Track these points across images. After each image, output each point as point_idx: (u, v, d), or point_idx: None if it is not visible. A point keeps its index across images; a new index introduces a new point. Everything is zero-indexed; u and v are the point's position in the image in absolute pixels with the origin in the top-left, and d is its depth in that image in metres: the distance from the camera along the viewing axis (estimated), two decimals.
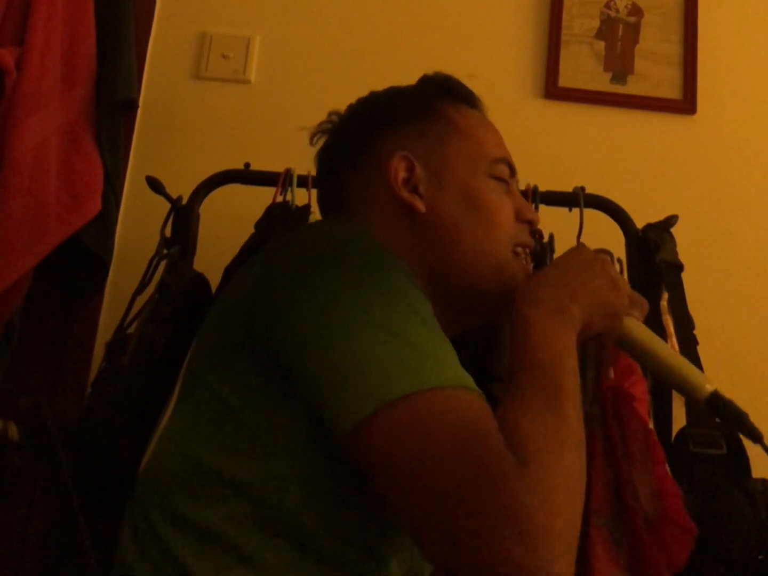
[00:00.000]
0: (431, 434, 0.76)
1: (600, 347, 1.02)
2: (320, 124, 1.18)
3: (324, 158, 1.17)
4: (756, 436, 0.97)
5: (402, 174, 1.05)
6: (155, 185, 1.51)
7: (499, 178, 1.08)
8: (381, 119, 1.11)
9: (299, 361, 0.83)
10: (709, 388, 0.95)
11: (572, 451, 0.80)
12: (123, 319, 1.43)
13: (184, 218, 1.48)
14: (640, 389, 1.26)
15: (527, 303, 0.91)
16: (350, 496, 0.86)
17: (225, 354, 0.90)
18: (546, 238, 1.44)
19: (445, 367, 0.81)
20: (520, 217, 1.08)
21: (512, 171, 1.11)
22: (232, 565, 0.83)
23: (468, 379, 0.82)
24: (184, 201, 1.51)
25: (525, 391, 0.83)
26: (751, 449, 1.30)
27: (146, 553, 0.86)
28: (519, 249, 1.06)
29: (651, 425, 1.29)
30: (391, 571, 0.91)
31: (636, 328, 0.99)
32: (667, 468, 1.22)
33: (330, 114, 1.18)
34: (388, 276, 0.87)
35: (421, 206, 1.04)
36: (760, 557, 1.19)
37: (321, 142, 1.18)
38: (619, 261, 1.43)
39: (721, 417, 1.00)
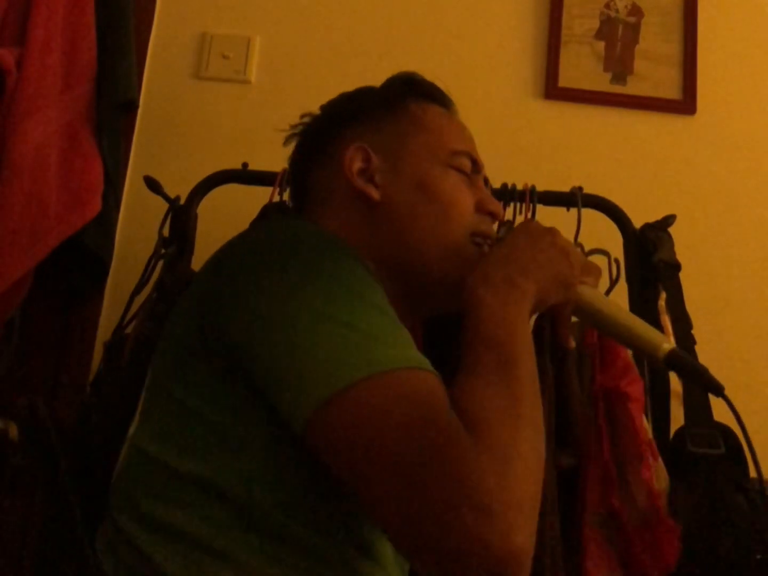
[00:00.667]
0: (382, 416, 0.76)
1: (556, 320, 1.02)
2: (292, 127, 1.20)
3: (293, 160, 1.19)
4: (718, 390, 0.98)
5: (358, 164, 1.07)
6: (153, 185, 1.51)
7: (458, 170, 1.09)
8: (344, 117, 1.14)
9: (252, 360, 0.84)
10: (667, 346, 0.96)
11: (528, 423, 0.80)
12: (122, 319, 1.43)
13: (181, 218, 1.49)
14: (636, 389, 1.26)
15: (477, 282, 0.92)
16: (323, 488, 0.86)
17: (182, 360, 0.91)
18: None
19: (394, 350, 0.82)
20: (481, 209, 1.09)
21: (476, 166, 1.12)
22: (207, 565, 0.83)
23: (420, 360, 0.83)
24: (183, 201, 1.52)
25: (478, 367, 0.83)
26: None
27: (121, 559, 0.87)
28: (479, 239, 1.07)
29: (648, 425, 1.30)
30: (380, 555, 0.91)
31: (591, 294, 1.00)
32: (659, 467, 1.22)
33: (302, 116, 1.20)
34: (333, 265, 0.88)
35: (375, 195, 1.05)
36: (758, 557, 1.19)
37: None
38: (617, 261, 1.43)
39: (680, 373, 1.01)
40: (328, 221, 1.05)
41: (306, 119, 1.19)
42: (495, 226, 1.14)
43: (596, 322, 1.01)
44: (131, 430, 0.96)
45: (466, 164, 1.10)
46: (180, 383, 0.89)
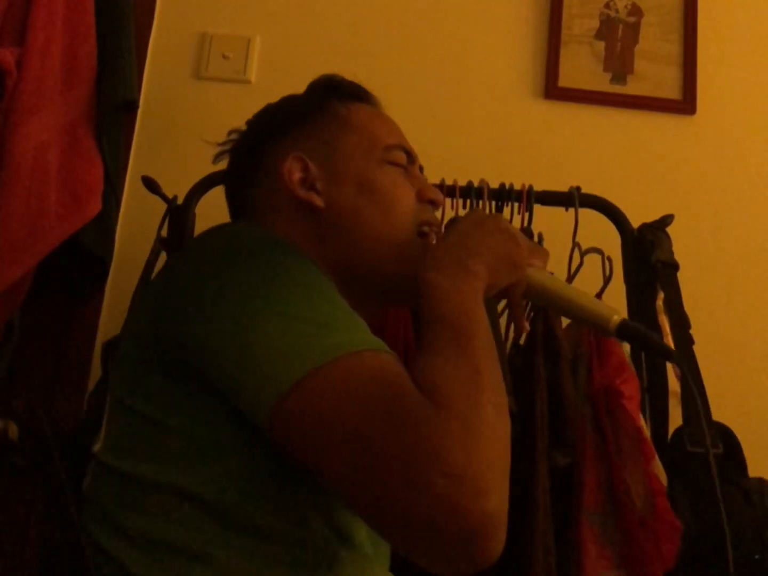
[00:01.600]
0: (345, 397, 0.78)
1: (509, 303, 1.04)
2: (220, 145, 1.20)
3: (228, 178, 1.19)
4: (669, 354, 1.02)
5: (297, 174, 1.08)
6: (151, 185, 1.52)
7: (394, 164, 1.10)
8: (273, 129, 1.14)
9: (210, 364, 0.85)
10: (617, 318, 0.98)
11: (489, 392, 0.81)
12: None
13: (179, 218, 1.49)
14: (631, 387, 1.27)
15: (428, 268, 0.93)
16: (294, 479, 0.87)
17: (139, 372, 0.92)
18: (536, 238, 1.44)
19: (347, 335, 0.83)
20: (422, 198, 1.10)
21: (410, 157, 1.13)
22: (188, 568, 0.84)
23: (376, 342, 0.85)
24: (181, 201, 1.52)
25: (435, 344, 0.85)
26: (748, 448, 1.31)
27: (100, 572, 0.87)
28: (426, 228, 1.09)
29: (644, 423, 1.30)
30: (356, 538, 0.92)
31: (539, 275, 1.02)
32: (657, 465, 1.23)
33: (229, 133, 1.20)
34: (280, 262, 0.90)
35: (319, 202, 1.06)
36: (756, 557, 1.19)
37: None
38: (609, 259, 1.43)
39: (632, 343, 1.05)
40: (276, 233, 1.05)
41: (233, 136, 1.19)
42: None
43: (547, 300, 1.03)
44: (97, 446, 0.97)
45: (401, 157, 1.11)
46: (139, 395, 0.90)
